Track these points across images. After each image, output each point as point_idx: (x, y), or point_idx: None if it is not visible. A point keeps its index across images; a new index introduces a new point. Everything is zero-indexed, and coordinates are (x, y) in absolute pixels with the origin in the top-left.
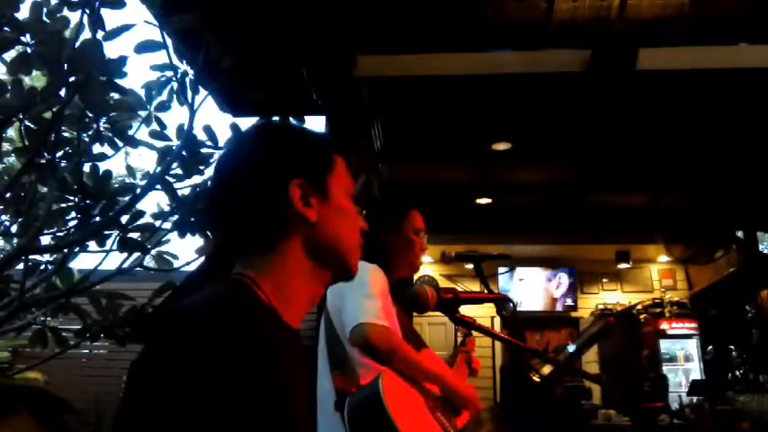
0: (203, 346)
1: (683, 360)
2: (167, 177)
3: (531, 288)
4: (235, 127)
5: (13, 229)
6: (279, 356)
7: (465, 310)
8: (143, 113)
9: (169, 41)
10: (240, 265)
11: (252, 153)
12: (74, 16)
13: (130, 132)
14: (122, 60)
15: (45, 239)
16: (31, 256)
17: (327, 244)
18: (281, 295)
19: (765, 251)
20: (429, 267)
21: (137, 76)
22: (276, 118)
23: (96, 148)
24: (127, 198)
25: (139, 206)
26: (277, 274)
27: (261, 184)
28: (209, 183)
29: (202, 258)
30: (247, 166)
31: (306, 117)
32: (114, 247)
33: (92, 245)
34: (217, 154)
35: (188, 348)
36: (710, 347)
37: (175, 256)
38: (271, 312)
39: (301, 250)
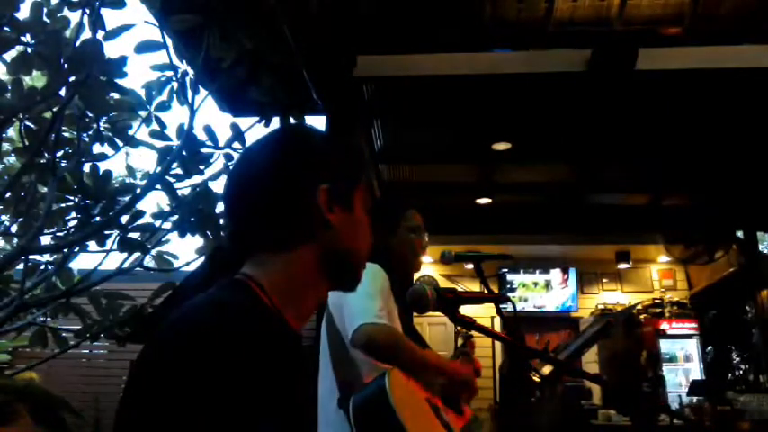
0: (198, 353)
1: (683, 360)
2: (167, 177)
3: (531, 288)
4: (235, 127)
5: (13, 229)
6: (273, 362)
7: (465, 310)
8: (143, 113)
9: (169, 41)
10: (249, 265)
11: (283, 152)
12: (74, 16)
13: (130, 132)
14: (122, 60)
15: (45, 239)
16: (31, 256)
17: (342, 252)
18: (288, 297)
19: (765, 251)
20: (429, 267)
21: (137, 76)
22: (276, 118)
23: (96, 148)
24: (127, 198)
25: (139, 206)
26: (287, 275)
27: (289, 184)
28: (231, 175)
29: (202, 258)
30: (277, 165)
31: (306, 117)
32: (114, 247)
33: (92, 245)
34: (217, 154)
35: (182, 354)
36: (710, 347)
37: (175, 256)
38: (271, 316)
39: (316, 254)
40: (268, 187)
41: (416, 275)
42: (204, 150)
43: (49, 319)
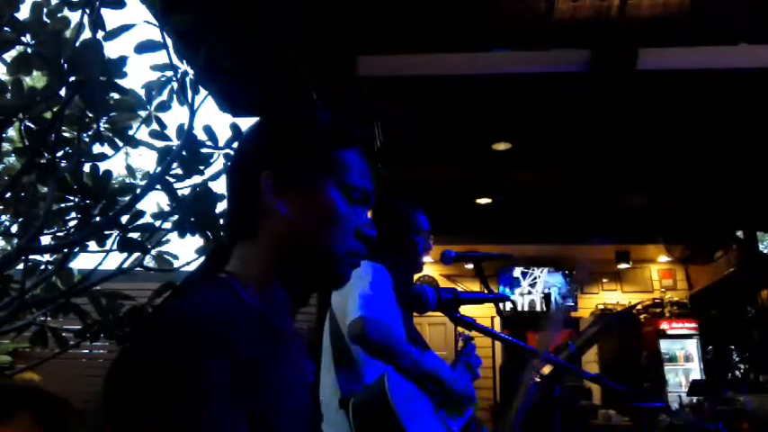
0: (154, 350)
1: (683, 360)
2: (167, 177)
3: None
4: (235, 127)
5: (13, 229)
6: (242, 363)
7: (465, 310)
8: (143, 113)
9: (169, 41)
10: (232, 258)
11: (245, 142)
12: (74, 16)
13: (130, 132)
14: (122, 60)
15: (45, 239)
16: (31, 256)
17: (302, 243)
18: (261, 288)
19: (765, 251)
20: (429, 267)
21: (137, 76)
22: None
23: (96, 148)
24: (127, 198)
25: (139, 206)
26: (252, 266)
27: (241, 173)
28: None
29: (202, 258)
30: (238, 155)
31: None
32: (114, 247)
33: (92, 245)
34: (217, 154)
35: (144, 351)
36: (710, 347)
37: (175, 256)
38: (248, 313)
39: (273, 242)
40: (230, 180)
41: (417, 276)
42: (204, 150)
43: (49, 319)
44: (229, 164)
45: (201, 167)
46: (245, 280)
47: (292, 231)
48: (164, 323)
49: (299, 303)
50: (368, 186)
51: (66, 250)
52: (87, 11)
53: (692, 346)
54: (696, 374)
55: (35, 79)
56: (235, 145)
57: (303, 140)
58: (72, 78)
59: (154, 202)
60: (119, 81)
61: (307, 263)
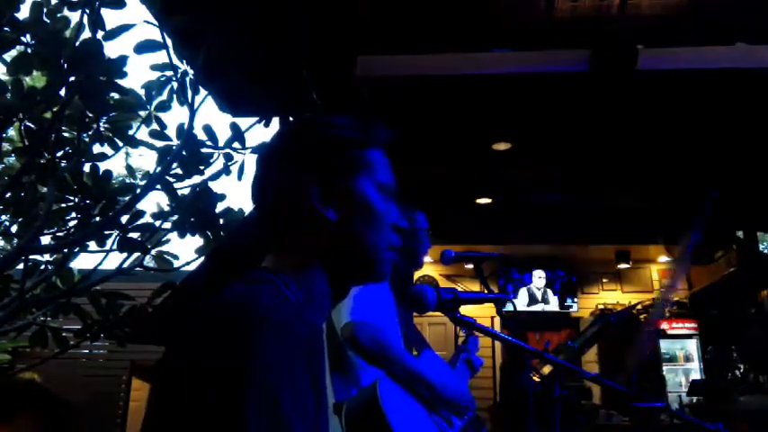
0: (219, 348)
1: (683, 360)
2: (167, 177)
3: (532, 288)
4: (235, 127)
5: (13, 229)
6: (293, 360)
7: (465, 310)
8: (143, 113)
9: (169, 41)
10: (267, 259)
11: (280, 148)
12: (74, 16)
13: (130, 132)
14: (122, 60)
15: (45, 239)
16: (31, 256)
17: (347, 244)
18: (304, 290)
19: (765, 251)
20: (429, 267)
21: (137, 76)
22: (276, 118)
23: (96, 148)
24: (127, 198)
25: (139, 206)
26: (299, 269)
27: (282, 181)
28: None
29: (202, 258)
30: (275, 162)
31: None
32: (114, 247)
33: (92, 245)
34: (217, 154)
35: (206, 349)
36: (710, 347)
37: (175, 256)
38: (292, 308)
39: (321, 248)
40: (266, 186)
41: (416, 275)
42: (204, 150)
43: (49, 319)
44: (259, 173)
45: (201, 167)
46: (284, 277)
47: (339, 233)
48: (226, 315)
49: (339, 297)
50: (394, 182)
51: (66, 250)
52: (87, 11)
53: (692, 346)
54: (696, 374)
55: (35, 79)
56: (235, 145)
57: (337, 146)
58: (72, 78)
59: (154, 202)
60: (119, 81)
61: (353, 261)
